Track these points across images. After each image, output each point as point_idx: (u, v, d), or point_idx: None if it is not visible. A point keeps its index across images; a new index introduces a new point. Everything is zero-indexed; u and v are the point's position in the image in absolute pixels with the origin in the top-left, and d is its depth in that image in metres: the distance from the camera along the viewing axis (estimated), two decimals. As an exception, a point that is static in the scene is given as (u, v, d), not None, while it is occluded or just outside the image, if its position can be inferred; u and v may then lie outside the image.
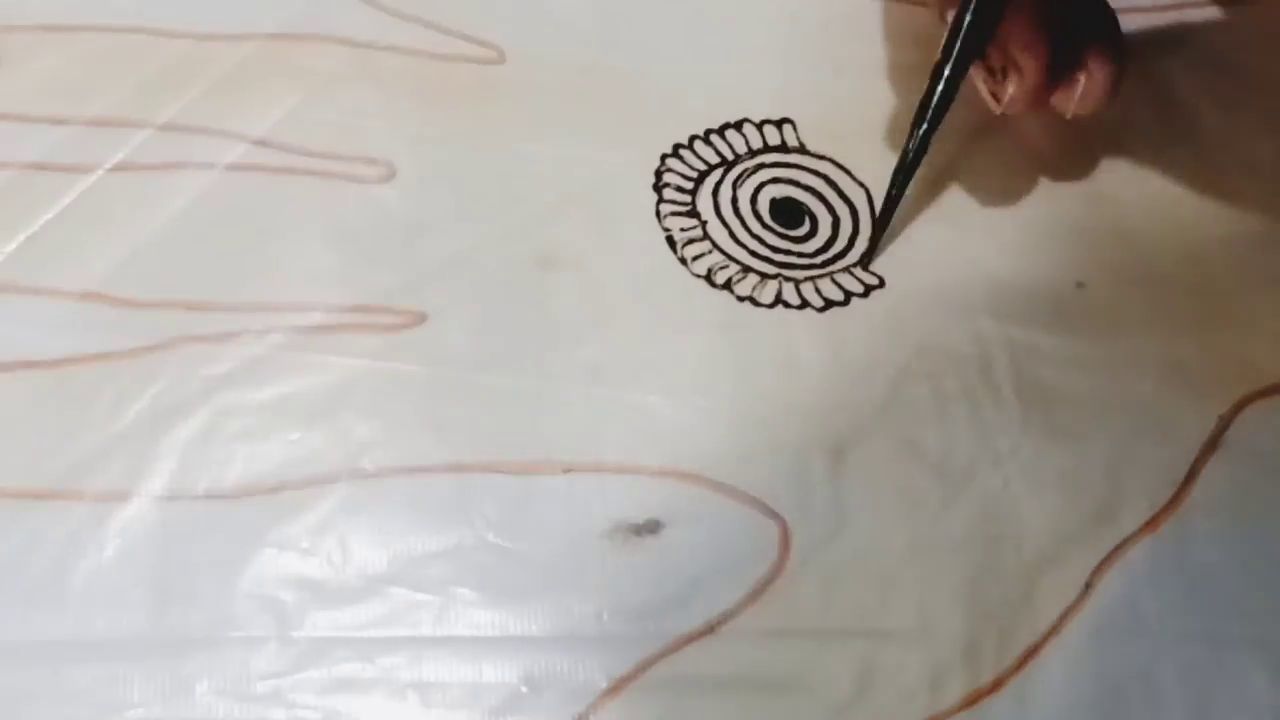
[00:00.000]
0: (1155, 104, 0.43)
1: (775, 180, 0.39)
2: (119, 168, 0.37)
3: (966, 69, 0.36)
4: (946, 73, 0.36)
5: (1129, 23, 0.44)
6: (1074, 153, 0.41)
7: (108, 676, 0.30)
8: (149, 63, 0.39)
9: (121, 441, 0.33)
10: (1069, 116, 0.37)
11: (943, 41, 0.36)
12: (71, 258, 0.35)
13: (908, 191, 0.39)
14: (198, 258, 0.36)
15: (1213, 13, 0.45)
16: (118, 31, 0.40)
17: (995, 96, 0.37)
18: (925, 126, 0.37)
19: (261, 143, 0.38)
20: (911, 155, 0.37)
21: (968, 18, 0.35)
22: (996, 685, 0.32)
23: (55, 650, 0.30)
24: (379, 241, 0.37)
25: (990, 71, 0.37)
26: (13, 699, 0.29)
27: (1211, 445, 0.36)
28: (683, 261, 0.38)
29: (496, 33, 0.41)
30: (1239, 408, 0.37)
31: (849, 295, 0.38)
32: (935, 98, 0.36)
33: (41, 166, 0.37)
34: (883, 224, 0.38)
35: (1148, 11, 0.45)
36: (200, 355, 0.34)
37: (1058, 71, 0.36)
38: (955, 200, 0.40)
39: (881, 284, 0.38)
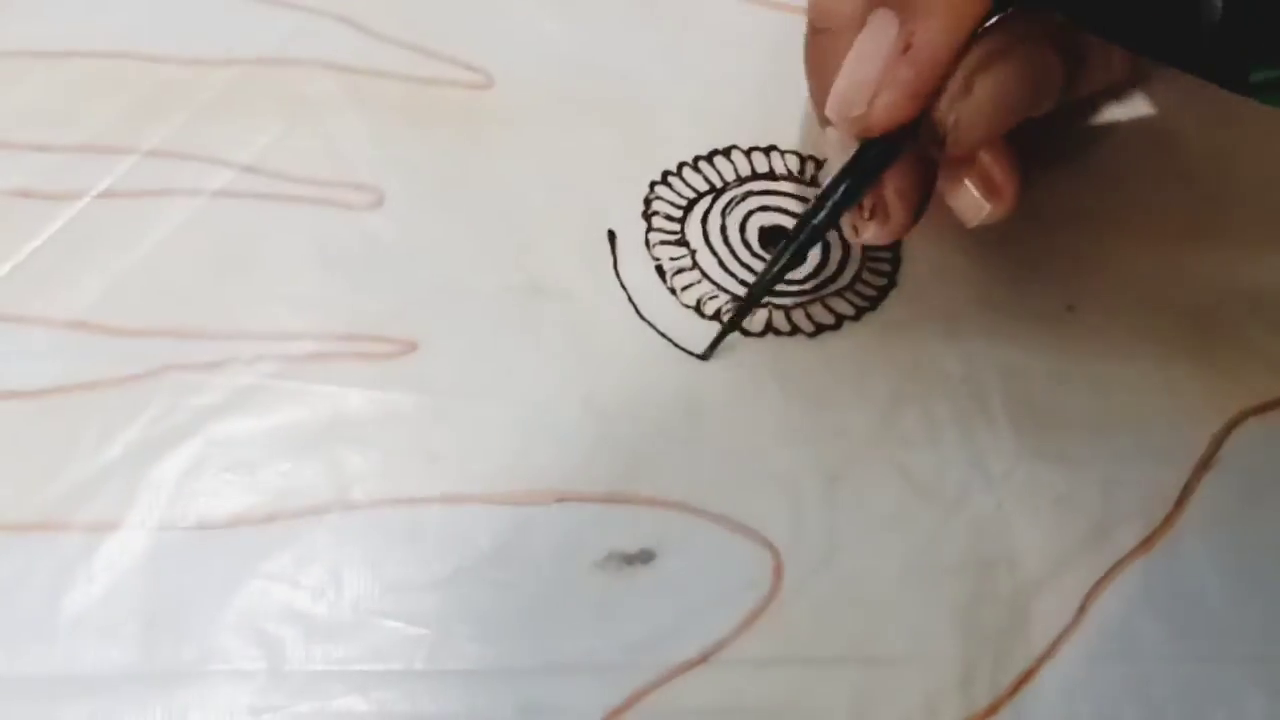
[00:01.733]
0: (1141, 128, 0.43)
1: (764, 208, 0.39)
2: (105, 194, 0.37)
3: (838, 219, 0.36)
4: (818, 221, 0.35)
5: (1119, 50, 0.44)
6: (1063, 177, 0.41)
7: (99, 711, 0.30)
8: (135, 88, 0.39)
9: (110, 472, 0.33)
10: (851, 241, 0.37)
11: (823, 187, 0.36)
12: (58, 286, 0.35)
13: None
14: (186, 285, 0.36)
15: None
16: (103, 57, 0.39)
17: (855, 228, 0.36)
18: (786, 259, 0.36)
19: (249, 169, 0.38)
20: (770, 278, 0.36)
21: (847, 182, 0.35)
22: (992, 710, 0.32)
23: (45, 685, 0.30)
24: (368, 269, 0.36)
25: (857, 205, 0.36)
26: (2, 735, 0.29)
27: (1204, 464, 0.36)
28: (672, 291, 0.37)
29: (485, 58, 0.41)
30: (1231, 426, 0.37)
31: (840, 319, 0.38)
32: (820, 218, 0.35)
33: (27, 194, 0.37)
34: (731, 327, 0.37)
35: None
36: (189, 384, 0.34)
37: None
38: (944, 224, 0.40)
39: (873, 306, 0.38)
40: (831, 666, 0.32)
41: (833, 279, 0.38)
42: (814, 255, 0.39)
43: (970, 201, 0.35)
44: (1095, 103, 0.43)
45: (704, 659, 0.32)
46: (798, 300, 0.38)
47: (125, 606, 0.31)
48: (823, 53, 0.36)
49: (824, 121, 0.36)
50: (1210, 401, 0.37)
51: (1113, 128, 0.43)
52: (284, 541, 0.32)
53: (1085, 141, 0.42)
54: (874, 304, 0.38)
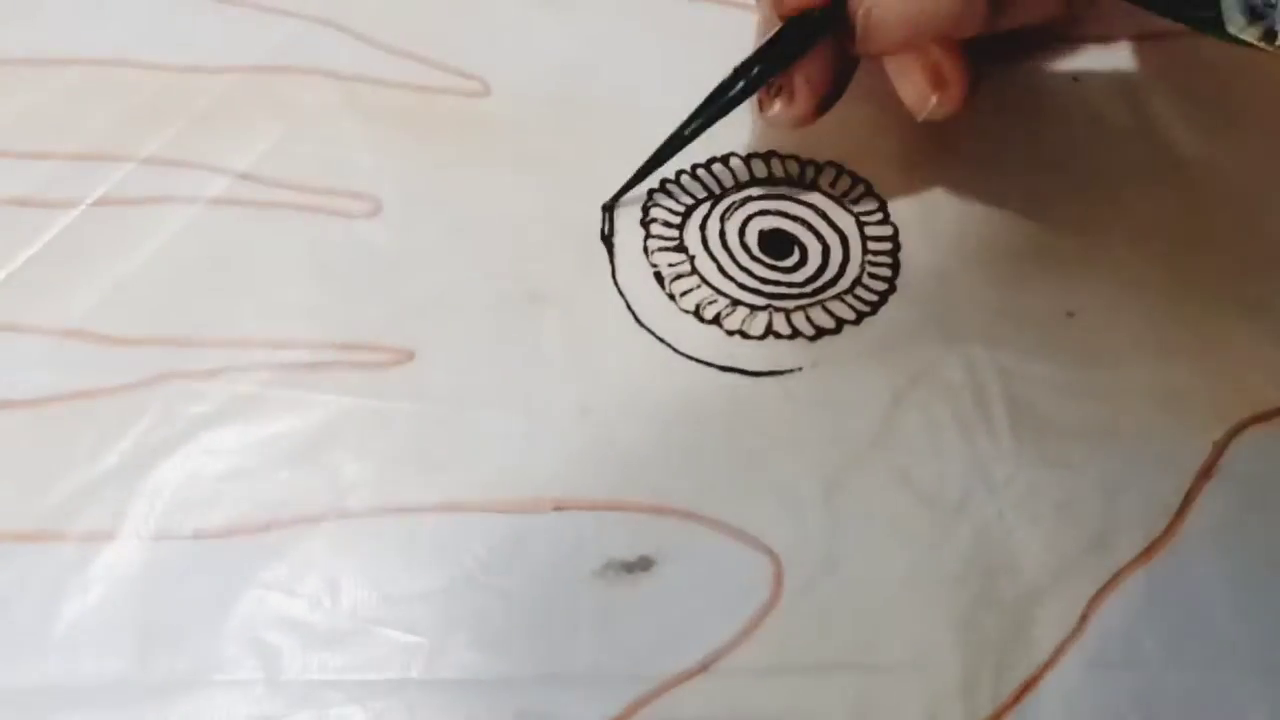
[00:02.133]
0: (1140, 135, 0.43)
1: (763, 212, 0.39)
2: (101, 202, 0.37)
3: (750, 95, 0.38)
4: (730, 96, 0.38)
5: (1114, 54, 0.44)
6: (1061, 183, 0.41)
7: (93, 722, 0.29)
8: (131, 96, 0.39)
9: (105, 481, 0.32)
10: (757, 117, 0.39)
11: (744, 59, 0.37)
12: (53, 294, 0.35)
13: (897, 220, 0.39)
14: (182, 294, 0.35)
15: (1195, 44, 0.45)
16: (99, 64, 0.39)
17: (760, 104, 0.38)
18: (703, 119, 0.38)
19: (245, 176, 0.38)
20: (686, 132, 0.38)
21: (764, 60, 0.37)
22: (994, 718, 0.32)
23: (40, 696, 0.30)
24: (365, 277, 0.36)
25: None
26: (-3, 747, 0.29)
27: (1206, 472, 0.36)
28: (671, 297, 0.37)
29: (481, 66, 0.41)
30: (1234, 433, 0.37)
31: (840, 323, 0.37)
32: (729, 96, 0.38)
33: (23, 202, 0.36)
34: (639, 178, 0.39)
35: (1132, 41, 0.45)
36: (185, 393, 0.34)
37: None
38: (946, 229, 0.40)
39: (873, 311, 0.38)
40: (832, 674, 0.32)
41: (832, 283, 0.38)
42: (814, 259, 0.39)
43: (917, 91, 0.37)
44: (1034, 39, 0.43)
45: (704, 667, 0.32)
46: (798, 304, 0.38)
47: (121, 616, 0.31)
48: None
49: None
50: (1212, 409, 0.37)
51: (1113, 138, 0.43)
52: (280, 550, 0.32)
53: (1086, 149, 0.42)
54: (874, 309, 0.38)
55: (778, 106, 0.37)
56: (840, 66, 0.37)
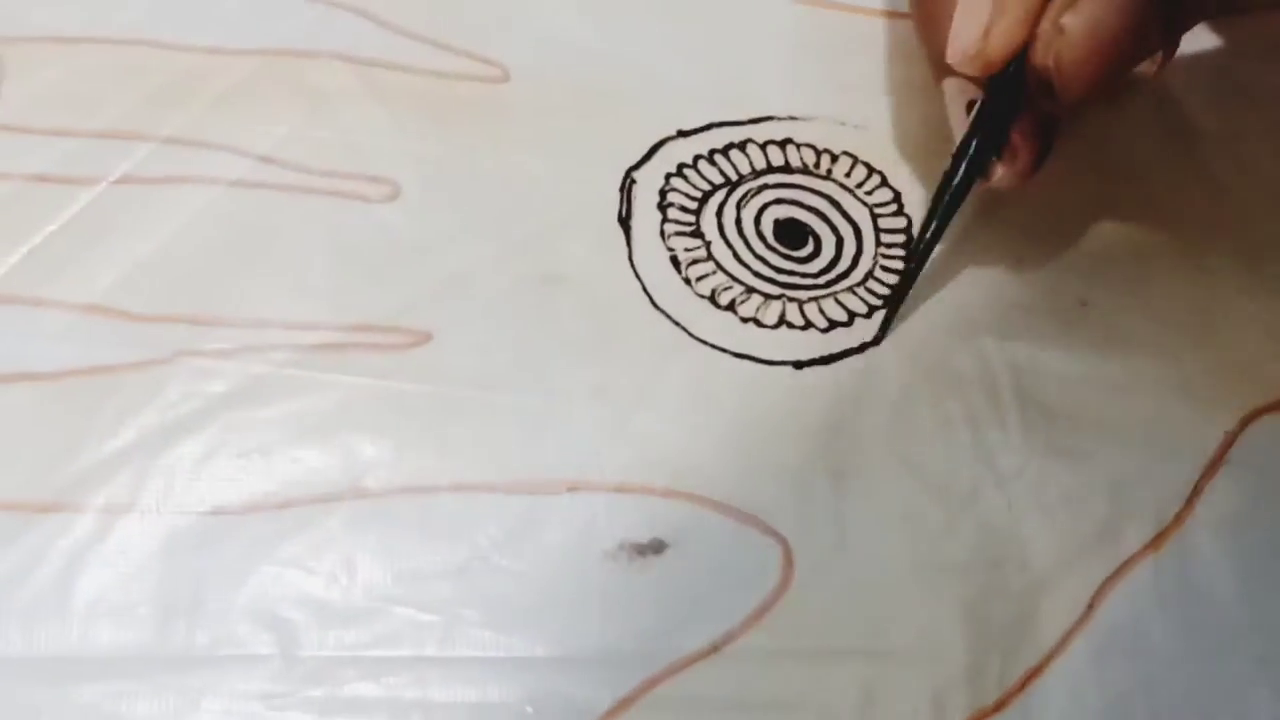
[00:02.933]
0: (1158, 120, 0.43)
1: (779, 201, 0.40)
2: (123, 181, 0.37)
3: (982, 166, 0.37)
4: (963, 169, 0.37)
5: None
6: (1076, 171, 0.41)
7: (112, 693, 0.30)
8: (153, 76, 0.39)
9: (125, 456, 0.33)
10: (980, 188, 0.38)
11: (957, 143, 0.37)
12: (74, 270, 0.35)
13: (911, 213, 0.40)
14: (201, 273, 0.36)
15: (1215, 26, 0.45)
16: (122, 44, 0.39)
17: (986, 175, 0.37)
18: (942, 215, 0.37)
19: (265, 159, 0.38)
20: (930, 238, 0.37)
21: (984, 126, 0.36)
22: (1000, 705, 0.32)
23: (59, 666, 0.30)
24: (383, 260, 0.37)
25: None
26: (17, 715, 0.29)
27: (1216, 462, 0.36)
28: (687, 282, 0.38)
29: (501, 51, 0.41)
30: (1245, 423, 0.37)
31: (852, 316, 0.38)
32: (956, 181, 0.37)
33: (44, 179, 0.37)
34: (896, 304, 0.38)
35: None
36: (204, 371, 0.34)
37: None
38: (957, 219, 0.40)
39: (884, 302, 0.38)
40: (840, 659, 0.32)
41: (845, 275, 0.38)
42: (828, 250, 0.39)
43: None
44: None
45: (714, 650, 0.32)
46: (811, 295, 0.38)
47: (139, 590, 0.31)
48: (931, 11, 0.37)
49: (939, 75, 0.37)
50: (1223, 399, 0.37)
51: (1130, 122, 0.43)
52: (297, 528, 0.32)
53: (1102, 136, 0.42)
54: (886, 301, 0.38)
55: (1000, 170, 0.36)
56: (1044, 116, 0.37)
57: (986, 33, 0.35)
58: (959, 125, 0.37)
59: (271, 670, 0.31)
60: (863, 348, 0.37)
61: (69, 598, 0.31)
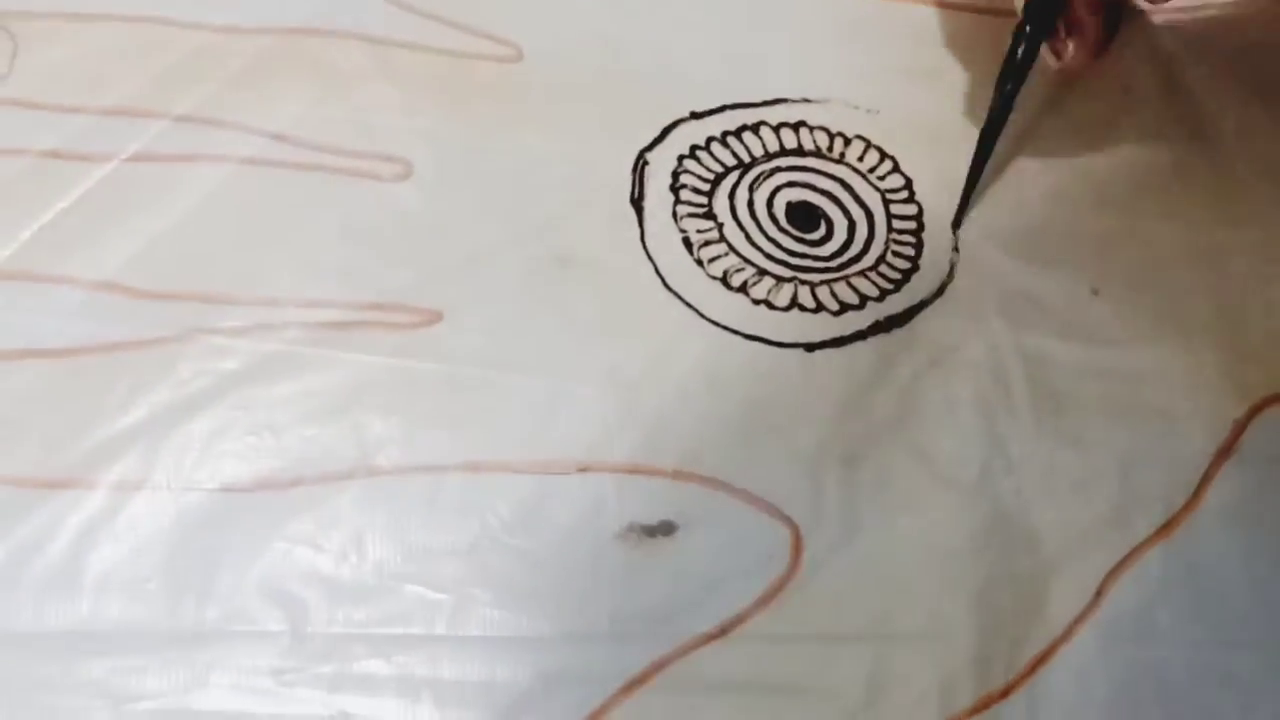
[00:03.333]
0: (1171, 108, 0.43)
1: (791, 184, 0.40)
2: (135, 158, 0.37)
3: (1049, 27, 0.39)
4: (1028, 32, 0.39)
5: (1145, 27, 0.44)
6: (1088, 158, 0.41)
7: (121, 668, 0.30)
8: (167, 53, 0.39)
9: (136, 433, 0.33)
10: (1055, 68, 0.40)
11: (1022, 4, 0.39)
12: (87, 247, 0.35)
13: (922, 199, 0.40)
14: (213, 251, 0.36)
15: (1230, 16, 0.45)
16: (136, 21, 0.39)
17: (1057, 54, 0.40)
18: (1010, 85, 0.39)
19: (278, 137, 0.38)
20: (998, 112, 0.39)
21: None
22: (1008, 690, 0.32)
23: (70, 640, 0.30)
24: (395, 239, 0.37)
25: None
26: (28, 688, 0.30)
27: (1225, 451, 0.36)
28: (699, 263, 0.38)
29: (515, 31, 0.41)
30: (1254, 412, 0.37)
31: (864, 299, 0.38)
32: (1020, 56, 0.39)
33: (57, 154, 0.37)
34: (971, 183, 0.40)
35: (1166, 13, 0.45)
36: (216, 349, 0.34)
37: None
38: (970, 206, 0.40)
39: (897, 289, 0.38)
40: (849, 643, 0.32)
41: (857, 259, 0.38)
42: (840, 233, 0.39)
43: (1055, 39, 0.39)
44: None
45: (723, 632, 0.32)
46: (823, 278, 0.38)
47: (149, 565, 0.31)
48: None
49: None
50: (1233, 388, 0.37)
51: (1145, 116, 0.43)
52: (308, 505, 0.32)
53: (1116, 124, 0.42)
54: (897, 286, 0.38)
55: (1072, 47, 0.39)
56: None
57: None
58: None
59: (281, 646, 0.31)
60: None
61: (80, 573, 0.31)
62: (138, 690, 0.30)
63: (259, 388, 0.34)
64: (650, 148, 0.39)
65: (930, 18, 0.43)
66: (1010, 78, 0.39)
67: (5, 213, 0.35)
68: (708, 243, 0.38)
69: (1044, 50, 0.40)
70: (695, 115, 0.40)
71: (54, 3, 0.39)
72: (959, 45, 0.42)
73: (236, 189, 0.37)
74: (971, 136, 0.40)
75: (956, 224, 0.39)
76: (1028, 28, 0.39)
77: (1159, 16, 0.43)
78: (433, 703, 0.30)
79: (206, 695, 0.30)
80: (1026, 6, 0.39)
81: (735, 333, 0.36)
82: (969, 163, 0.40)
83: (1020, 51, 0.39)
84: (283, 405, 0.34)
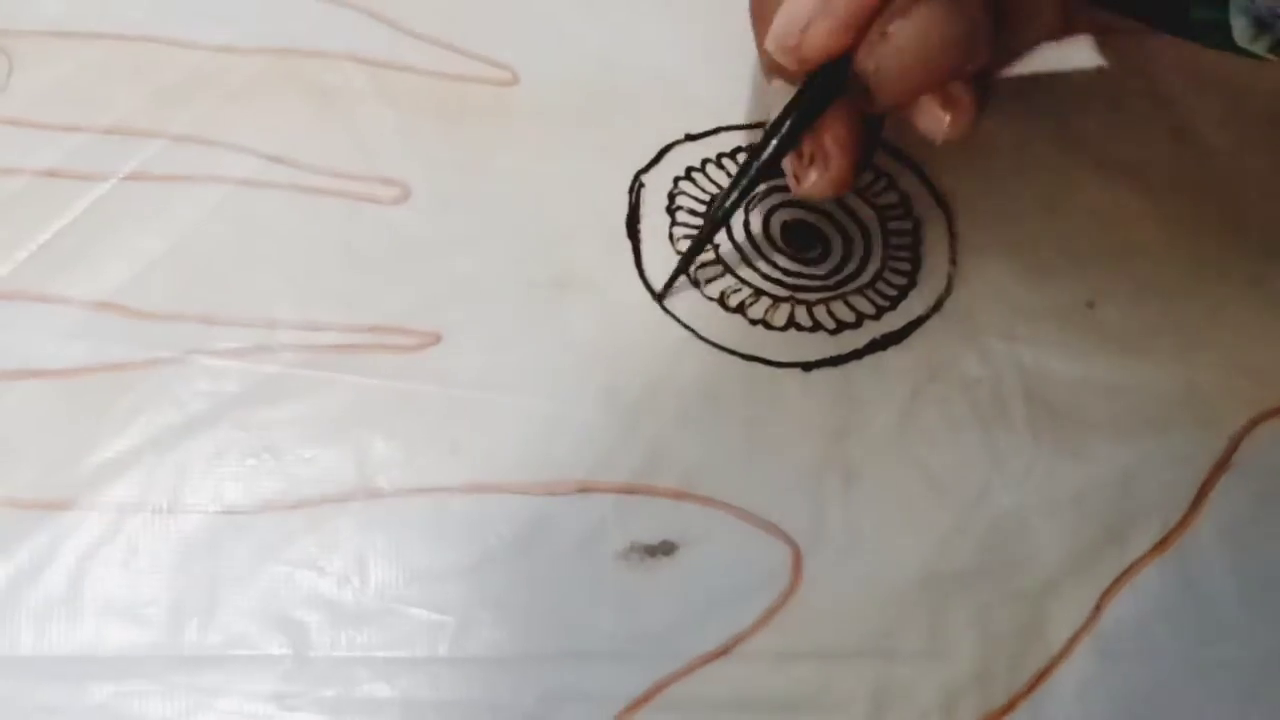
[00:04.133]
0: (1164, 123, 0.43)
1: (787, 204, 0.40)
2: (132, 177, 0.37)
3: (781, 158, 0.36)
4: (762, 160, 0.36)
5: (1134, 44, 0.44)
6: (1082, 173, 0.42)
7: (125, 692, 0.30)
8: (164, 73, 0.39)
9: (135, 454, 0.33)
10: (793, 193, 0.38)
11: (766, 127, 0.36)
12: (84, 267, 0.35)
13: (918, 214, 0.40)
14: (212, 272, 0.36)
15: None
16: (132, 40, 0.40)
17: (796, 177, 0.37)
18: (730, 200, 0.37)
19: (275, 159, 0.38)
20: (718, 218, 0.37)
21: (791, 118, 0.36)
22: (1010, 707, 0.32)
23: (71, 665, 0.30)
24: (393, 261, 0.37)
25: (798, 153, 0.37)
26: (29, 713, 0.30)
27: (1222, 465, 0.36)
28: (696, 284, 0.38)
29: (511, 54, 0.41)
30: (1250, 427, 0.37)
31: (861, 317, 0.38)
32: (746, 179, 0.36)
33: (54, 174, 0.37)
34: (685, 265, 0.38)
35: (1155, 32, 0.45)
36: (214, 370, 0.34)
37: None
38: (966, 222, 0.40)
39: (893, 306, 0.38)
40: (850, 661, 0.32)
41: (854, 277, 0.39)
42: (836, 252, 0.39)
43: (931, 117, 0.36)
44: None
45: (724, 651, 0.32)
46: (820, 296, 0.38)
47: (151, 589, 0.31)
48: (761, 8, 0.37)
49: (769, 71, 0.37)
50: (1229, 402, 0.37)
51: (1141, 131, 0.43)
52: (309, 528, 0.32)
53: (1108, 139, 0.42)
54: (894, 303, 0.38)
55: (814, 175, 0.36)
56: (865, 127, 0.37)
57: (806, 27, 0.34)
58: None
59: (284, 671, 0.31)
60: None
61: (80, 597, 0.31)
62: (140, 715, 0.30)
63: (258, 409, 0.34)
64: (646, 170, 0.39)
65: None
66: (744, 183, 0.36)
67: (2, 232, 0.36)
68: (704, 264, 0.38)
69: (786, 167, 0.37)
70: (690, 137, 0.40)
71: (51, 21, 0.39)
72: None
73: (234, 209, 0.37)
74: (968, 152, 0.40)
75: (662, 295, 0.37)
76: (783, 127, 0.36)
77: (1143, 33, 0.43)
78: (436, 725, 0.30)
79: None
80: (783, 116, 0.36)
81: (733, 353, 0.36)
82: (966, 178, 0.40)
83: (765, 154, 0.36)
84: (282, 427, 0.34)
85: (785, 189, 0.39)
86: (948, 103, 0.36)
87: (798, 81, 0.36)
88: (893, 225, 0.40)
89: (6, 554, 0.31)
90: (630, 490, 0.34)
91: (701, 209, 0.39)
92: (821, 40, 0.34)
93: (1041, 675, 0.33)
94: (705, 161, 0.40)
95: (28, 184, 0.36)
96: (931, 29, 0.34)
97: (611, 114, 0.41)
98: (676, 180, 0.39)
